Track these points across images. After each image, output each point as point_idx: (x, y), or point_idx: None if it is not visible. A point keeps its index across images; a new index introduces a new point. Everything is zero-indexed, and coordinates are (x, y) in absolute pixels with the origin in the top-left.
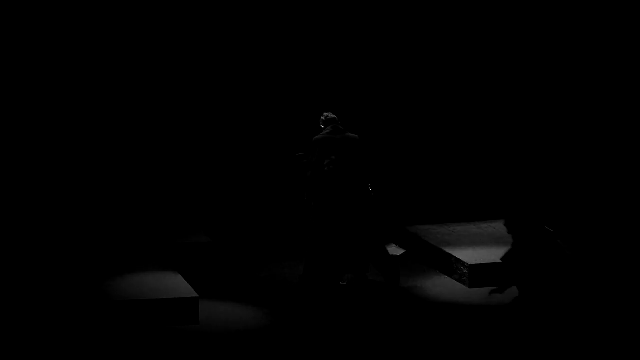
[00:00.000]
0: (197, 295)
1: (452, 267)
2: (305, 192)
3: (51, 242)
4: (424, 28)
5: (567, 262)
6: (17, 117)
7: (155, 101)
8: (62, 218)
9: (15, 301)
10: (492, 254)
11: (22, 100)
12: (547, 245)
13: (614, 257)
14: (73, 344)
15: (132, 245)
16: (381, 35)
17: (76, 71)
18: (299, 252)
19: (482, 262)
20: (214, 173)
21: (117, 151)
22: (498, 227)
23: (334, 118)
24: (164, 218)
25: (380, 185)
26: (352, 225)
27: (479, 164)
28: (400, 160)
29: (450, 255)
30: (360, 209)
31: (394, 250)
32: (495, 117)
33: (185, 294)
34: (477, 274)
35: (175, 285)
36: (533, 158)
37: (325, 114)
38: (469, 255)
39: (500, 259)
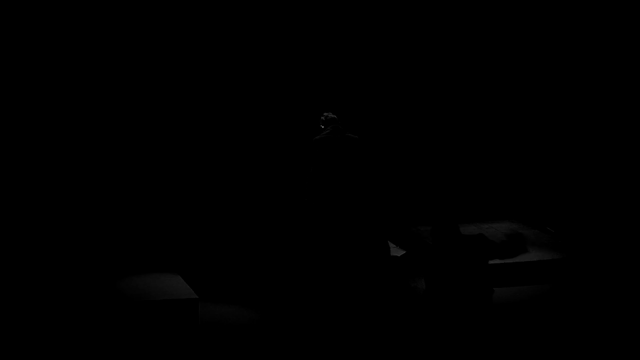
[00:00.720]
0: (197, 297)
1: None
2: (304, 193)
3: (51, 243)
4: (424, 28)
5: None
6: (20, 117)
7: (157, 102)
8: (63, 219)
9: (15, 301)
10: None
11: (24, 101)
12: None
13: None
14: (73, 345)
15: (132, 247)
16: (381, 35)
17: (78, 71)
18: (298, 252)
19: None
20: (214, 173)
21: (117, 152)
22: (499, 227)
23: (334, 118)
24: (163, 219)
25: (381, 186)
26: (351, 226)
27: (480, 165)
28: (401, 160)
29: None
30: (359, 210)
31: (394, 251)
32: (495, 118)
33: (185, 295)
34: None
35: (174, 286)
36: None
37: (325, 114)
38: None
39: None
